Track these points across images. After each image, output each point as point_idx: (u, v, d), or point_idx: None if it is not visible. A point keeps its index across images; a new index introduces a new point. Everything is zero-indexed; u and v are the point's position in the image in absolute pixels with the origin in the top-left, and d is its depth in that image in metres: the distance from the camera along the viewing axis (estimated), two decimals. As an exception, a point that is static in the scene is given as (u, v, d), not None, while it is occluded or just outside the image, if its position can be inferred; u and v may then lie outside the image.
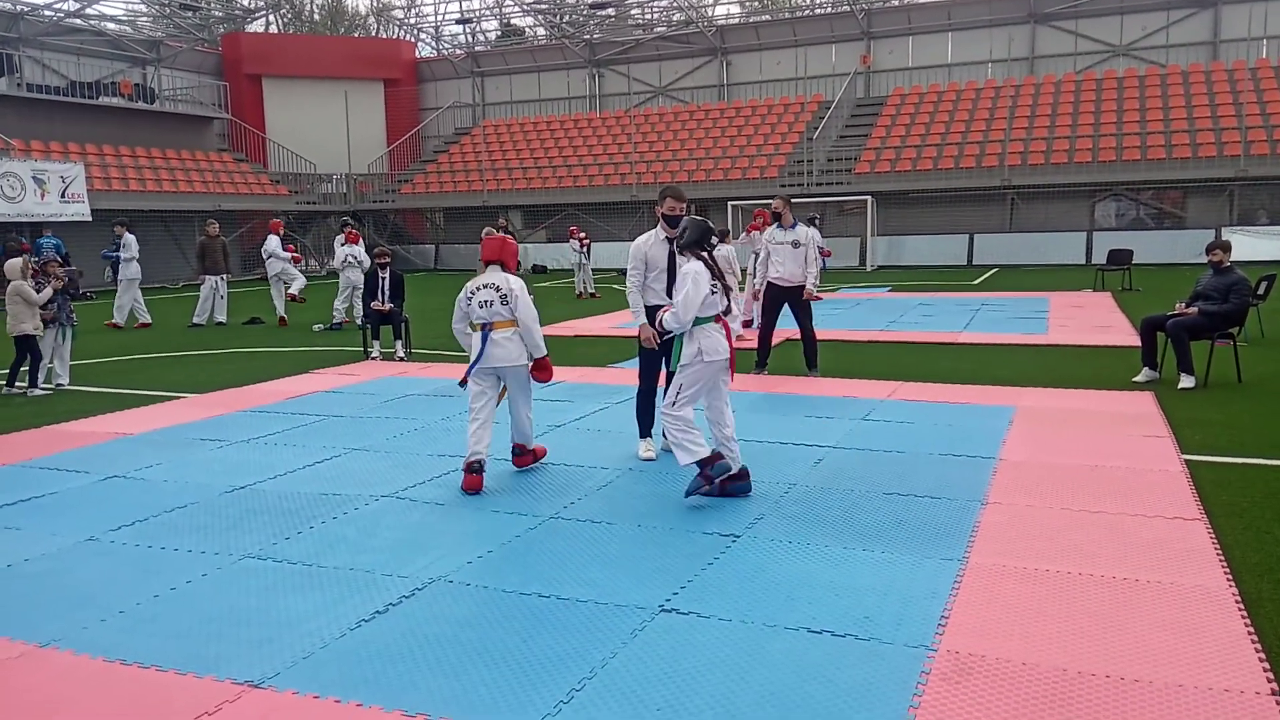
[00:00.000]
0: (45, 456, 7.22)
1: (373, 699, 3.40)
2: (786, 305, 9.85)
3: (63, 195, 25.02)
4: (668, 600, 4.21)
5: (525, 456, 6.51)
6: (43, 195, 24.61)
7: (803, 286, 9.66)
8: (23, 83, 29.49)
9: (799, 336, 9.99)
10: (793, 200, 10.18)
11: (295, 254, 17.95)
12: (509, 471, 6.45)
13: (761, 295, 10.10)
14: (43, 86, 29.94)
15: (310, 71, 37.71)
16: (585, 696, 3.38)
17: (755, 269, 9.95)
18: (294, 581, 4.56)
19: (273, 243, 17.25)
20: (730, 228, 22.54)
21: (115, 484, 6.42)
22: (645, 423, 6.80)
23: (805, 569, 4.54)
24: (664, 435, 6.61)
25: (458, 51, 41.51)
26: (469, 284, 6.23)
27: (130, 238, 16.84)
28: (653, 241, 6.51)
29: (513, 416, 6.40)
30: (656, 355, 6.60)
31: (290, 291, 17.35)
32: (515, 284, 6.20)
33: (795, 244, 9.58)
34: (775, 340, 10.47)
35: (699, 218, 5.90)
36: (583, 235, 20.71)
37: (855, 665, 3.56)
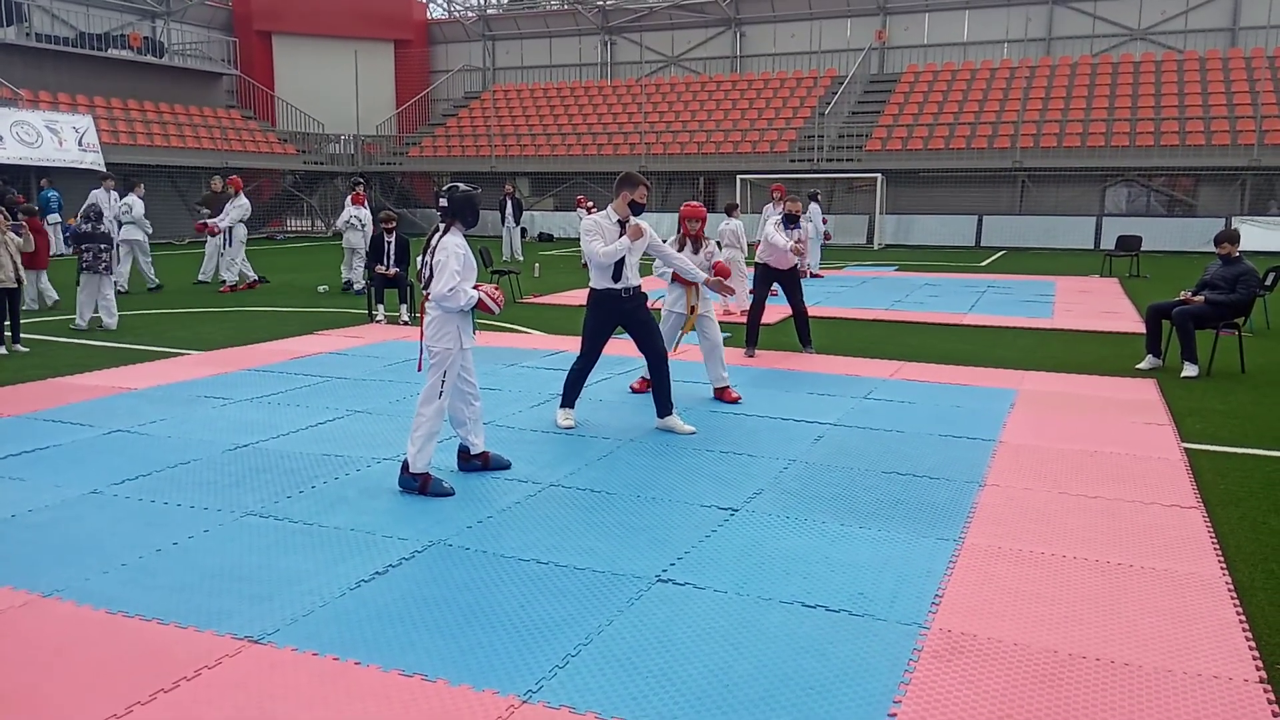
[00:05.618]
0: (49, 409, 7.25)
1: (370, 658, 3.44)
2: (778, 284, 10.00)
3: (79, 143, 25.08)
4: (664, 570, 4.24)
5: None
6: (60, 143, 24.68)
7: (794, 268, 9.92)
8: (31, 32, 29.27)
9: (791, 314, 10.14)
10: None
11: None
12: (509, 440, 6.48)
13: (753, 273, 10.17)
14: (51, 37, 29.72)
15: (320, 29, 37.41)
16: (580, 662, 3.42)
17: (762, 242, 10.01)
18: (295, 540, 4.60)
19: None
20: (739, 201, 22.42)
21: (118, 438, 6.45)
22: (572, 394, 6.92)
23: (802, 544, 4.57)
24: (659, 416, 6.68)
25: (469, 14, 41.15)
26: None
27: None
28: (606, 224, 6.55)
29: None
30: (605, 335, 6.76)
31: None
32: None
33: (799, 240, 9.95)
34: (774, 319, 10.45)
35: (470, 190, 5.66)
36: (590, 205, 20.63)
37: (848, 640, 3.59)
